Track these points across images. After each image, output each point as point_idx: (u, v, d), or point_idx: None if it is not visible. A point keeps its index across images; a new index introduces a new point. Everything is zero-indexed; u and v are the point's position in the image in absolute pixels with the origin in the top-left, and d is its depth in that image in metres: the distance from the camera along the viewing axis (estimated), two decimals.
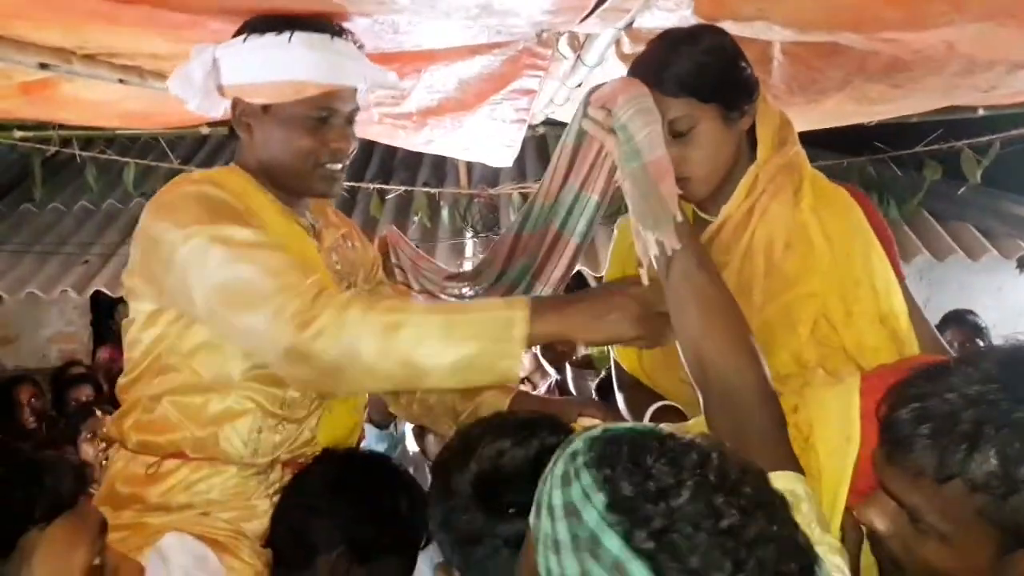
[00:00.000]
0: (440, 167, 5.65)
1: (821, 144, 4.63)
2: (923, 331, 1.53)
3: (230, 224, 1.37)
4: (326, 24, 1.47)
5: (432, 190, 5.18)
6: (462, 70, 2.25)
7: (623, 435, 0.79)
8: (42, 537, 1.05)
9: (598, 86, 1.42)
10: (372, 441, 3.37)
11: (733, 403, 1.19)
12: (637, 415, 1.63)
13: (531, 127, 2.92)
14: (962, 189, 4.48)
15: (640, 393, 1.69)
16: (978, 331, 3.99)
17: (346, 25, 1.54)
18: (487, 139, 2.95)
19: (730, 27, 1.62)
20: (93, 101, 2.46)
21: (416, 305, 1.37)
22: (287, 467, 1.55)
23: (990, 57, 1.75)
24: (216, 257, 1.35)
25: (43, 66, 2.05)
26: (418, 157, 5.59)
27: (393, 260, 1.81)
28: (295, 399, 1.53)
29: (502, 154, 3.13)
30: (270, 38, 1.43)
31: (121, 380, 1.56)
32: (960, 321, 4.11)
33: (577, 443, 0.80)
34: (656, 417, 1.57)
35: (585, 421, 1.44)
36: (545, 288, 1.59)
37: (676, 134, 1.42)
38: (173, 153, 5.14)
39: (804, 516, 0.98)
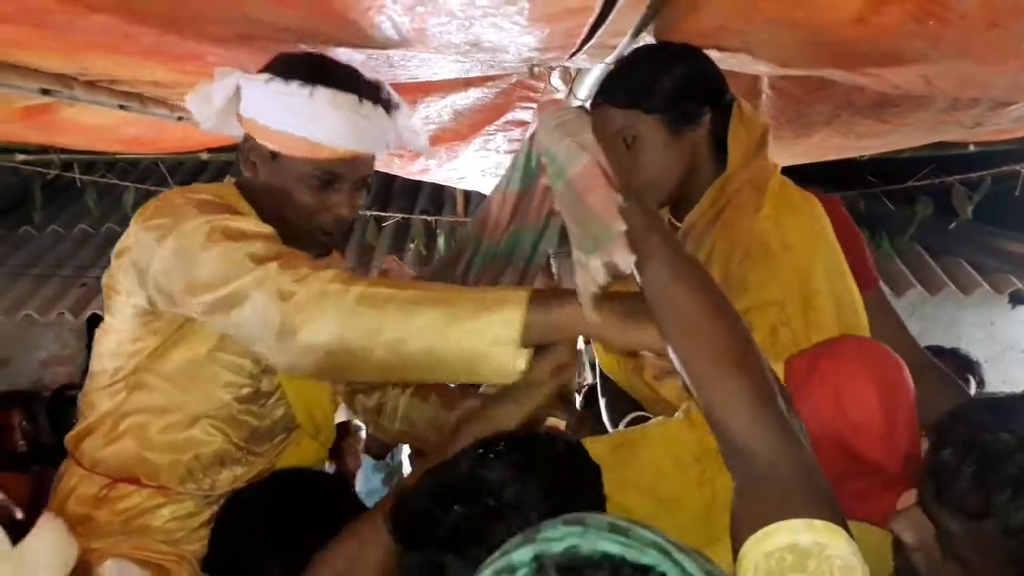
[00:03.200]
0: (438, 195, 5.69)
1: (813, 178, 4.66)
2: (901, 343, 1.51)
3: (231, 216, 1.31)
4: (357, 82, 1.37)
5: (429, 218, 5.21)
6: (457, 101, 2.29)
7: (588, 568, 0.60)
8: None
9: (534, 133, 1.34)
10: (368, 471, 3.37)
11: (725, 436, 0.99)
12: (615, 421, 1.65)
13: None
14: (953, 224, 4.52)
15: (620, 400, 1.70)
16: (968, 365, 4.00)
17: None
18: (481, 169, 2.99)
19: (716, 57, 1.66)
20: (93, 126, 2.49)
21: (406, 283, 1.25)
22: None
23: (970, 94, 1.79)
24: (209, 238, 1.26)
25: (45, 91, 2.08)
26: (416, 185, 5.63)
27: None
28: (265, 431, 1.51)
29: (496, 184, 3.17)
30: (294, 87, 1.32)
31: (88, 390, 1.51)
32: (951, 355, 4.12)
33: (524, 554, 0.62)
34: (631, 426, 1.60)
35: (551, 422, 1.42)
36: None
37: (625, 145, 1.44)
38: (173, 178, 5.18)
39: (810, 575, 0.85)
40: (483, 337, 1.13)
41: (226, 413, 1.45)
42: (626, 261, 1.09)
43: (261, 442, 1.53)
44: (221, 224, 1.28)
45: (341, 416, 3.19)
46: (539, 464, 1.04)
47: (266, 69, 1.39)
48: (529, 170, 1.34)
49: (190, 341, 1.41)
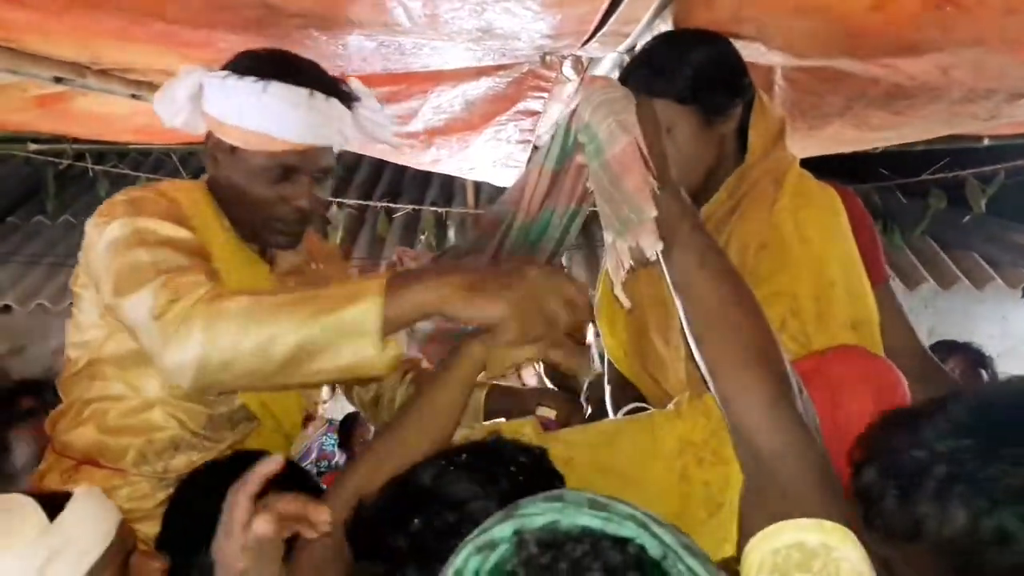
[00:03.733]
0: (448, 187, 5.69)
1: (826, 170, 4.64)
2: (906, 341, 1.53)
3: (156, 219, 1.34)
4: (311, 77, 1.40)
5: (439, 209, 5.21)
6: (469, 91, 2.29)
7: (568, 542, 0.60)
8: None
9: (575, 110, 1.30)
10: None
11: (738, 429, 0.98)
12: (616, 410, 1.66)
13: (535, 148, 2.96)
14: (967, 218, 4.50)
15: (623, 389, 1.69)
16: (981, 359, 3.98)
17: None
18: (492, 159, 2.99)
19: None
20: (105, 115, 2.50)
21: (277, 289, 1.29)
22: None
23: (986, 85, 1.78)
24: (127, 241, 1.31)
25: (58, 80, 2.09)
26: (427, 176, 5.63)
27: None
28: (221, 419, 1.54)
29: (507, 174, 3.17)
30: (248, 83, 1.36)
31: (61, 378, 1.58)
32: (964, 349, 4.09)
33: (503, 530, 0.62)
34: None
35: (542, 411, 1.40)
36: None
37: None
38: (184, 168, 5.20)
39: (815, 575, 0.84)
40: (344, 331, 1.13)
41: (178, 400, 1.48)
42: (652, 247, 1.09)
43: (219, 430, 1.55)
44: (145, 228, 1.32)
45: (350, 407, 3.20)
46: (502, 478, 1.01)
47: (227, 66, 1.42)
48: (566, 148, 1.30)
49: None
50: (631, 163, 1.14)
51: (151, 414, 1.48)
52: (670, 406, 1.40)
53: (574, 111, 1.26)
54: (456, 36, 1.51)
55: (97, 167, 4.66)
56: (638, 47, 1.75)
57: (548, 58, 1.87)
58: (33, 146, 4.32)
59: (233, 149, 1.42)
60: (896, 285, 4.72)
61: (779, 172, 1.50)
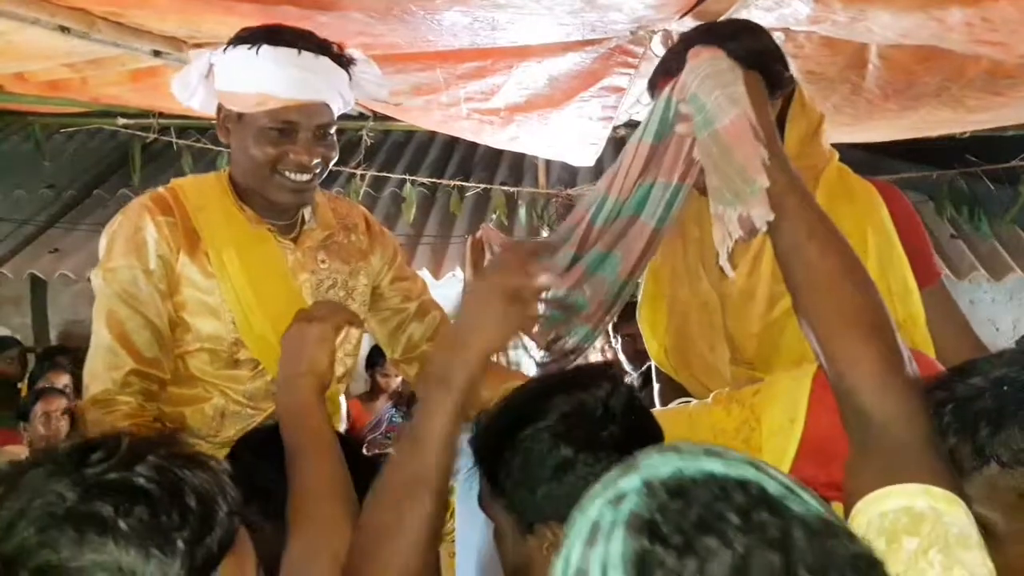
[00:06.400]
0: (518, 166, 5.69)
1: (911, 156, 4.51)
2: (961, 347, 1.47)
3: (124, 272, 1.53)
4: (297, 38, 1.52)
5: (510, 189, 5.22)
6: (553, 67, 2.28)
7: (696, 487, 0.63)
8: None
9: (676, 81, 1.27)
10: None
11: (849, 397, 0.99)
12: (664, 405, 1.66)
13: (613, 128, 2.93)
14: None
15: (670, 387, 1.71)
16: None
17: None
18: (572, 137, 2.97)
19: (828, 29, 1.61)
20: None
21: None
22: None
23: None
24: (98, 311, 1.53)
25: (156, 53, 2.16)
26: (497, 156, 5.63)
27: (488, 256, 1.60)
28: (257, 391, 1.62)
29: (585, 152, 3.14)
30: (242, 51, 1.51)
31: None
32: None
33: (631, 482, 0.65)
34: None
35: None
36: (624, 272, 1.43)
37: None
38: None
39: (924, 539, 0.84)
40: None
41: (213, 376, 1.60)
42: (763, 217, 1.10)
43: (259, 400, 1.63)
44: (111, 311, 1.53)
45: None
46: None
47: (228, 43, 1.55)
48: (666, 120, 1.28)
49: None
50: (742, 134, 1.14)
51: (196, 388, 1.59)
52: (707, 399, 1.40)
53: (675, 82, 1.25)
54: (556, 7, 1.50)
55: (181, 141, 4.77)
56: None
57: (640, 32, 1.84)
58: (122, 120, 4.45)
59: (240, 116, 1.55)
60: (980, 275, 4.57)
61: (816, 169, 1.47)
